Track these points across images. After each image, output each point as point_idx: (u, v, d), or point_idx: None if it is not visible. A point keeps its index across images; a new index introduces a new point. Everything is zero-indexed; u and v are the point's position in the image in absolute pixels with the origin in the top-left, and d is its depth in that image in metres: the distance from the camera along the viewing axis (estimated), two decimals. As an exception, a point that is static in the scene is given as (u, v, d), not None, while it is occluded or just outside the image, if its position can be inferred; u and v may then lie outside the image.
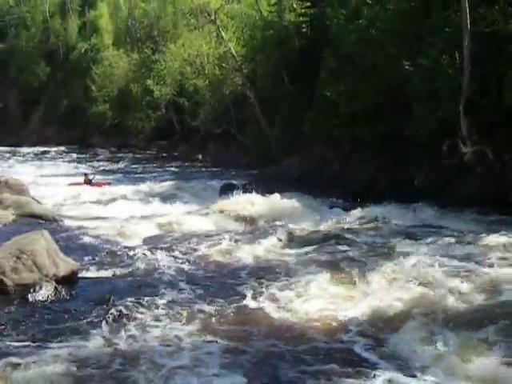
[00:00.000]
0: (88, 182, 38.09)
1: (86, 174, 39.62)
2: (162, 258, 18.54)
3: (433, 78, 25.66)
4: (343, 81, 30.48)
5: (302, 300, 14.27)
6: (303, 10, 37.98)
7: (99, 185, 37.88)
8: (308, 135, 33.24)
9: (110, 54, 78.99)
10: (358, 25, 30.83)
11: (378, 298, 14.13)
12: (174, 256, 18.86)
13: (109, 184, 38.74)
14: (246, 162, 42.97)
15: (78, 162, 55.17)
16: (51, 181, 39.59)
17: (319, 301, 14.17)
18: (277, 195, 27.56)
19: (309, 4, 37.52)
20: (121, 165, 50.89)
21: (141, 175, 43.06)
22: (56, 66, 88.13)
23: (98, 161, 54.99)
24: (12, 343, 12.16)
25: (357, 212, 24.18)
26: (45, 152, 67.03)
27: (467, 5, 24.41)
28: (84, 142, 74.79)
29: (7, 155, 64.80)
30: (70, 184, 37.80)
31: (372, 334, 12.45)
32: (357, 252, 18.64)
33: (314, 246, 19.56)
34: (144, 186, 35.70)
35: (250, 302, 14.31)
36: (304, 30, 37.85)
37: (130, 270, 17.46)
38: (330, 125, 31.06)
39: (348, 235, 20.93)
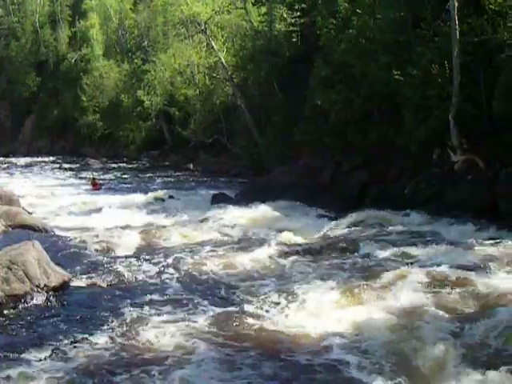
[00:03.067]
0: (94, 184, 39.56)
1: (94, 178, 41.02)
2: (153, 268, 18.60)
3: (423, 88, 25.75)
4: (333, 90, 30.57)
5: (294, 310, 14.28)
6: (293, 20, 38.14)
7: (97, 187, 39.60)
8: (299, 144, 33.30)
9: (101, 64, 78.98)
10: (348, 34, 30.97)
11: (371, 307, 14.14)
12: (164, 266, 18.88)
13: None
14: (237, 172, 43.01)
15: (70, 173, 55.03)
16: (42, 191, 39.48)
17: (311, 310, 14.17)
18: (268, 204, 27.61)
19: (299, 14, 37.70)
20: (112, 175, 50.75)
21: (132, 185, 42.99)
22: (46, 77, 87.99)
23: (89, 171, 54.79)
24: (2, 354, 12.17)
25: (347, 220, 24.21)
26: (36, 162, 66.80)
27: (456, 15, 24.54)
28: (75, 152, 74.55)
29: (-2, 165, 64.75)
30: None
31: (363, 346, 12.37)
32: (349, 260, 18.68)
33: (307, 255, 19.61)
34: (135, 196, 35.58)
35: (240, 313, 14.29)
36: (294, 39, 37.97)
37: (121, 279, 17.51)
38: (320, 133, 31.13)
39: (340, 243, 20.99)
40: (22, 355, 12.10)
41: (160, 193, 36.42)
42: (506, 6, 23.86)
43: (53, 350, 12.35)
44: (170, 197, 35.13)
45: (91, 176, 44.50)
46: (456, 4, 24.48)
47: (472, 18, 24.46)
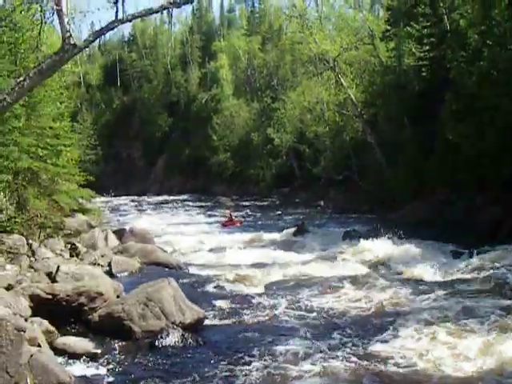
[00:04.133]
0: (230, 218, 41.08)
1: (231, 214, 42.64)
2: (285, 306, 18.65)
3: None
4: (465, 123, 30.04)
5: (424, 352, 13.97)
6: (422, 54, 37.80)
7: (234, 222, 40.41)
8: (431, 179, 32.83)
9: (231, 103, 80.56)
10: (479, 66, 30.44)
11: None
12: (296, 303, 18.94)
13: (240, 223, 40.80)
14: (367, 208, 42.66)
15: (201, 211, 56.06)
16: (175, 229, 40.39)
17: (442, 354, 13.79)
18: (401, 241, 27.31)
19: (428, 48, 37.35)
20: (244, 212, 51.33)
21: (264, 222, 43.37)
22: (178, 117, 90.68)
23: (221, 208, 55.66)
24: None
25: (482, 257, 23.44)
26: (168, 201, 68.52)
27: None
28: (206, 190, 76.07)
29: (132, 204, 66.75)
30: (224, 224, 41.22)
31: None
32: (482, 302, 17.94)
33: (438, 294, 19.15)
34: (267, 234, 35.89)
35: (371, 353, 14.13)
36: (424, 73, 37.59)
37: (254, 317, 17.64)
38: (453, 168, 30.59)
39: (474, 281, 20.49)
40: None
41: (291, 230, 36.66)
42: None
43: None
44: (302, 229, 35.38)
45: (229, 212, 45.18)
46: None
47: None
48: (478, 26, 32.76)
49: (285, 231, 36.53)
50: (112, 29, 13.91)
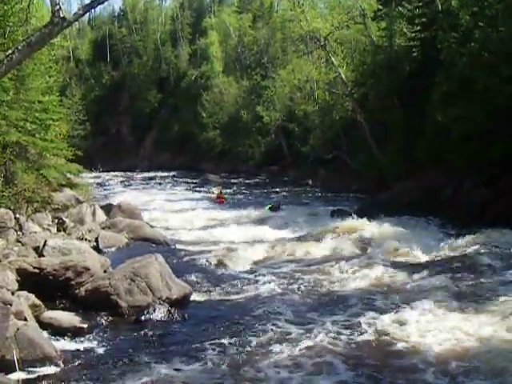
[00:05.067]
0: (219, 197, 41.67)
1: (220, 191, 43.32)
2: (271, 283, 18.77)
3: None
4: (455, 105, 30.01)
5: (416, 330, 14.06)
6: (413, 34, 37.69)
7: (223, 199, 40.92)
8: (420, 160, 32.84)
9: (220, 80, 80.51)
10: (470, 48, 30.36)
11: (494, 330, 13.77)
12: (282, 281, 19.09)
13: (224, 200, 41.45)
14: (356, 188, 42.73)
15: (190, 187, 56.06)
16: (163, 205, 40.45)
17: (434, 332, 13.90)
18: (389, 220, 27.37)
19: (419, 28, 37.22)
20: (232, 189, 51.37)
21: (252, 200, 43.40)
22: (167, 93, 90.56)
23: (209, 185, 55.66)
24: (125, 363, 12.58)
25: (470, 238, 23.46)
26: (157, 177, 68.53)
27: None
28: (194, 167, 76.22)
29: (120, 179, 66.73)
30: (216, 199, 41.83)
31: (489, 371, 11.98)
32: (471, 280, 18.16)
33: (428, 273, 19.26)
34: (255, 211, 35.97)
35: (361, 331, 14.19)
36: (414, 54, 37.50)
37: (240, 294, 17.78)
38: (442, 150, 30.60)
39: (462, 261, 20.58)
40: (142, 366, 12.43)
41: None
42: None
43: (172, 362, 12.66)
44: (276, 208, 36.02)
45: (217, 189, 45.23)
46: None
47: None
48: (470, 7, 32.64)
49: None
50: (102, 3, 13.82)
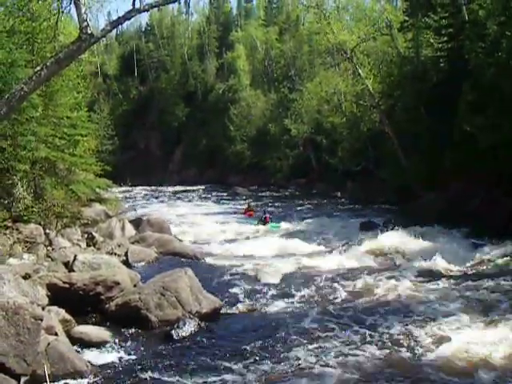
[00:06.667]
0: (248, 211, 41.60)
1: (249, 205, 42.99)
2: (302, 296, 18.73)
3: None
4: (482, 114, 29.82)
5: (443, 341, 13.98)
6: (440, 45, 37.57)
7: (252, 213, 40.99)
8: (448, 170, 32.67)
9: (248, 94, 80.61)
10: (498, 57, 30.22)
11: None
12: (313, 294, 19.02)
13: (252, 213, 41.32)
14: (384, 199, 42.59)
15: (218, 201, 56.20)
16: (192, 219, 40.53)
17: (461, 343, 13.78)
18: (417, 231, 27.24)
19: (446, 39, 37.11)
20: (262, 202, 51.35)
21: (281, 213, 43.38)
22: (195, 107, 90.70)
23: (238, 199, 55.76)
24: (154, 378, 12.60)
25: (498, 248, 23.34)
26: (185, 191, 68.78)
27: None
28: (223, 180, 76.24)
29: (149, 194, 67.05)
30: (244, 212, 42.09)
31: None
32: (499, 292, 17.97)
33: (456, 284, 19.18)
34: (284, 224, 35.97)
35: (390, 344, 14.16)
36: (442, 64, 37.38)
37: (271, 308, 17.71)
38: (469, 159, 30.41)
39: (490, 272, 20.48)
40: (171, 380, 12.46)
41: (308, 221, 36.85)
42: None
43: (201, 376, 12.64)
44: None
45: (247, 202, 45.27)
46: None
47: None
48: (497, 17, 32.49)
49: (301, 221, 36.81)
50: (129, 18, 13.97)
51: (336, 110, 57.41)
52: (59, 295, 16.01)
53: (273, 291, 19.41)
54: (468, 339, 13.91)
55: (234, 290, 19.71)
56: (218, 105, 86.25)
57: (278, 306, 17.88)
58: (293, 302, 18.17)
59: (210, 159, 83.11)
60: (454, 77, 33.98)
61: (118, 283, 16.96)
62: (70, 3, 14.28)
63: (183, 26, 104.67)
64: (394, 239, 26.62)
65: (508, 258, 22.01)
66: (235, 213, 44.32)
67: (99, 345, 14.20)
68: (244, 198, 56.22)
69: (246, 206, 43.67)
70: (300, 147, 67.60)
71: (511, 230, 25.23)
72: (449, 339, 14.04)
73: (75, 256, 19.45)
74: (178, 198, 60.49)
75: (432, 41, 38.52)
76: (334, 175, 54.97)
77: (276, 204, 50.79)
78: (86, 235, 26.57)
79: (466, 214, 28.53)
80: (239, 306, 17.96)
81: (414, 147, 38.46)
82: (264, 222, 36.70)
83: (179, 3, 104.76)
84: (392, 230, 28.13)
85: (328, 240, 29.57)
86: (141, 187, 72.12)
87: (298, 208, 46.94)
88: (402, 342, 14.18)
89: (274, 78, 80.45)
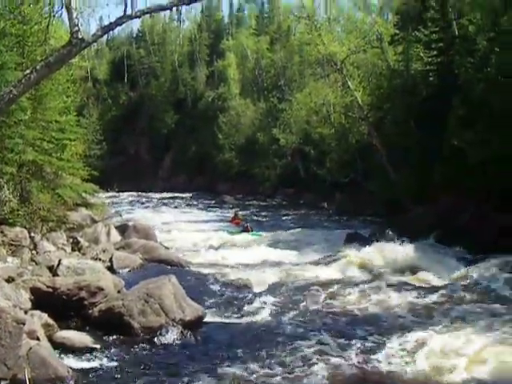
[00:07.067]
0: (235, 219, 40.78)
1: (236, 213, 42.21)
2: (285, 307, 18.76)
3: None
4: (471, 129, 29.92)
5: (425, 355, 13.99)
6: (430, 59, 37.71)
7: (239, 222, 40.23)
8: (436, 184, 32.72)
9: (237, 102, 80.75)
10: (487, 73, 30.38)
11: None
12: (296, 305, 19.04)
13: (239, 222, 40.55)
14: (372, 211, 42.59)
15: (205, 209, 56.16)
16: (178, 227, 40.46)
17: (443, 358, 13.82)
18: (404, 245, 27.21)
19: (435, 53, 37.26)
20: (248, 212, 51.33)
21: (267, 222, 43.41)
22: (184, 114, 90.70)
23: (224, 208, 55.74)
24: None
25: (486, 263, 23.27)
26: (173, 198, 68.75)
27: None
28: (211, 188, 76.28)
29: (137, 200, 66.97)
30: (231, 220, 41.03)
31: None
32: (487, 306, 18.08)
33: (442, 298, 19.24)
34: (270, 234, 35.96)
35: (372, 357, 14.14)
36: (431, 78, 37.52)
37: (254, 317, 17.76)
38: (459, 174, 30.47)
39: (476, 287, 20.52)
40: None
41: (295, 231, 36.83)
42: None
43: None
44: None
45: (234, 211, 45.15)
46: None
47: None
48: (487, 33, 32.72)
49: (288, 231, 36.85)
50: (120, 24, 13.94)
51: (325, 121, 57.48)
52: (42, 299, 15.96)
53: (257, 300, 19.40)
54: (443, 352, 13.94)
55: (218, 298, 19.78)
56: (207, 112, 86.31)
57: (262, 315, 17.92)
58: (276, 312, 18.19)
59: (199, 166, 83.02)
60: (444, 91, 34.08)
61: (101, 289, 16.89)
62: (62, 7, 14.32)
63: (174, 33, 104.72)
64: (381, 252, 26.56)
65: (494, 273, 22.03)
66: (222, 221, 44.22)
67: (81, 350, 14.15)
68: (231, 206, 56.20)
69: (233, 215, 43.56)
70: (288, 157, 67.65)
71: (501, 246, 25.22)
72: (424, 352, 14.05)
73: (60, 260, 19.40)
74: (166, 205, 60.40)
75: (422, 55, 38.63)
76: (321, 186, 54.95)
77: (263, 213, 50.86)
78: (71, 240, 26.48)
79: (456, 228, 28.49)
80: (223, 314, 18.02)
81: (403, 161, 38.47)
82: (245, 230, 36.81)
83: (171, 10, 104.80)
84: (379, 242, 28.07)
85: (313, 250, 29.52)
86: (129, 193, 71.93)
87: (285, 218, 47.01)
88: (376, 352, 14.23)
89: (264, 87, 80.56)
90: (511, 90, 28.06)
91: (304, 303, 19.09)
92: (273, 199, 64.21)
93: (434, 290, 20.56)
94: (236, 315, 17.91)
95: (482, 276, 21.99)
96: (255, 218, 47.23)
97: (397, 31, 43.14)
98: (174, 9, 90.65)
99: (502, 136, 28.07)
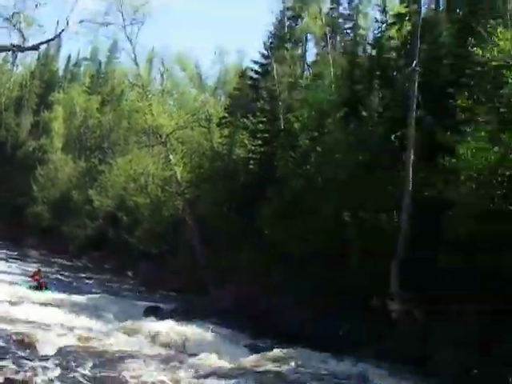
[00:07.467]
0: (35, 275, 38.55)
1: (39, 270, 39.93)
2: (71, 372, 18.02)
3: (370, 233, 25.75)
4: (282, 222, 30.65)
5: None
6: (253, 147, 38.62)
7: (39, 278, 38.13)
8: (242, 268, 33.15)
9: (58, 157, 79.36)
10: (305, 170, 31.33)
11: None
12: (81, 371, 18.34)
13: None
14: (176, 287, 42.47)
15: (5, 261, 53.85)
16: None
17: None
18: (199, 325, 27.19)
19: (260, 142, 38.21)
20: (53, 270, 49.84)
21: (69, 284, 42.29)
22: (3, 159, 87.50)
23: (27, 262, 53.77)
24: None
25: (272, 354, 23.61)
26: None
27: (411, 166, 25.13)
28: (19, 240, 73.45)
29: None
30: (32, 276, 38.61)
31: None
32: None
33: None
34: (70, 296, 34.98)
35: None
36: (252, 166, 38.35)
37: (39, 377, 16.89)
38: (266, 262, 31.04)
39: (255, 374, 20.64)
40: None
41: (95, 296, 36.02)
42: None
43: None
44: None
45: (37, 267, 43.43)
46: (412, 156, 25.20)
47: (425, 171, 24.81)
48: (310, 132, 33.87)
49: (87, 296, 36.00)
50: None
51: (141, 190, 57.46)
52: None
53: (43, 363, 18.58)
54: None
55: (5, 356, 18.74)
56: (26, 161, 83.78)
57: (50, 376, 17.12)
58: (65, 376, 17.47)
59: (10, 217, 79.66)
60: (262, 181, 34.76)
61: None
62: None
63: (6, 76, 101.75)
64: (176, 330, 26.32)
65: (283, 363, 22.21)
66: (22, 275, 42.46)
67: None
68: (35, 261, 54.32)
69: (36, 270, 42.03)
70: (100, 220, 66.71)
71: (300, 337, 25.49)
72: None
73: None
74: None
75: (247, 142, 39.55)
76: (129, 254, 54.49)
77: (66, 273, 49.66)
78: None
79: (256, 314, 28.83)
80: (10, 375, 17.04)
81: (214, 241, 38.79)
82: (40, 286, 35.67)
83: (6, 53, 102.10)
84: (176, 319, 27.91)
85: (110, 320, 28.89)
86: None
87: (87, 281, 45.98)
88: None
89: (88, 146, 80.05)
90: (326, 189, 29.05)
91: (86, 371, 18.46)
92: (79, 260, 62.97)
93: (215, 373, 20.36)
94: (23, 377, 16.98)
95: (264, 364, 22.10)
96: (58, 276, 45.91)
97: (226, 114, 44.05)
98: (10, 52, 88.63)
99: (310, 233, 28.91)
